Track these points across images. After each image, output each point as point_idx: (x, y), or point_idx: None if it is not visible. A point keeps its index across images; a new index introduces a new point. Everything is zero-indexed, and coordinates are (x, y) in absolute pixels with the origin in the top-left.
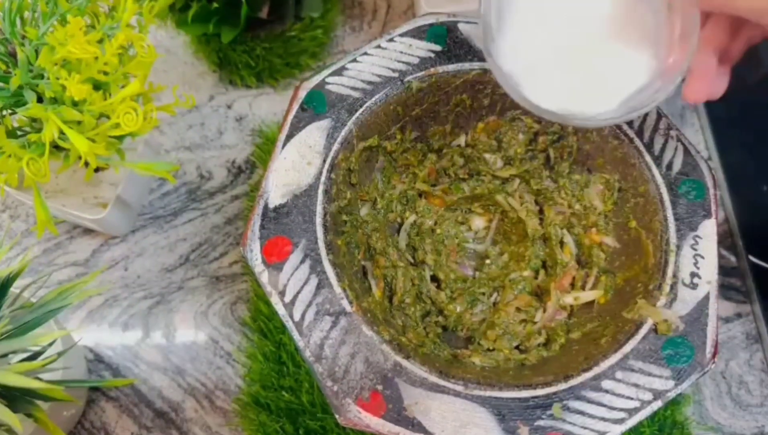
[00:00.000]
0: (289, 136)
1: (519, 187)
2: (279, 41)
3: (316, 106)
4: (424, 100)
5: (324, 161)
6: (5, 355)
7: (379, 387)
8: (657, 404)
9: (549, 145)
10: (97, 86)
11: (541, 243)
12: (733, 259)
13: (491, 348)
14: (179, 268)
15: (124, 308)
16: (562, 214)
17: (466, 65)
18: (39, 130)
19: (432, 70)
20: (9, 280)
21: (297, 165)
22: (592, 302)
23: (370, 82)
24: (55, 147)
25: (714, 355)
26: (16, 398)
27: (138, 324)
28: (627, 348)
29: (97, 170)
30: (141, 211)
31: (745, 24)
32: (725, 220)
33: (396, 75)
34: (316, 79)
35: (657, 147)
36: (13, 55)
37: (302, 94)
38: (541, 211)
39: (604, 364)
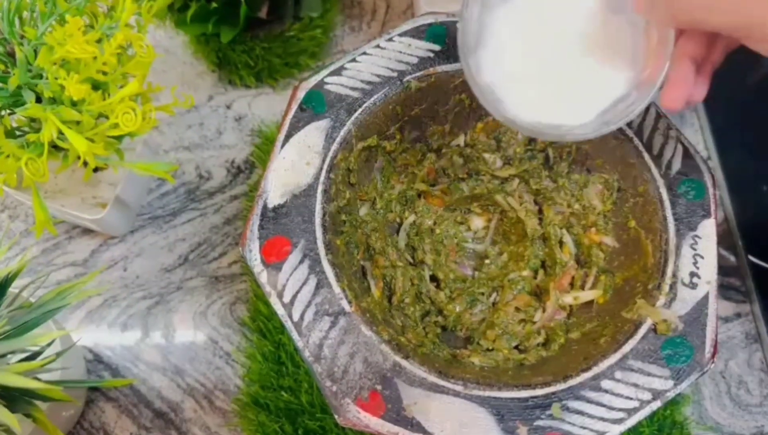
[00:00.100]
0: (288, 136)
1: (518, 187)
2: (278, 41)
3: (315, 106)
4: (423, 99)
5: (323, 161)
6: (4, 356)
7: (378, 387)
8: (656, 404)
9: (548, 145)
10: (95, 86)
11: (541, 243)
12: (732, 258)
13: (490, 348)
14: (178, 268)
15: (123, 308)
16: (562, 213)
17: None
18: (38, 130)
19: (431, 69)
20: (8, 280)
21: (296, 165)
22: (591, 302)
23: (369, 82)
24: (54, 147)
25: (713, 354)
26: (15, 398)
27: (137, 324)
28: (626, 348)
29: (95, 170)
30: (140, 211)
31: (720, 34)
32: (725, 220)
33: (395, 75)
34: (315, 79)
35: (656, 147)
36: (11, 55)
37: (301, 94)
38: (540, 211)
39: (604, 364)
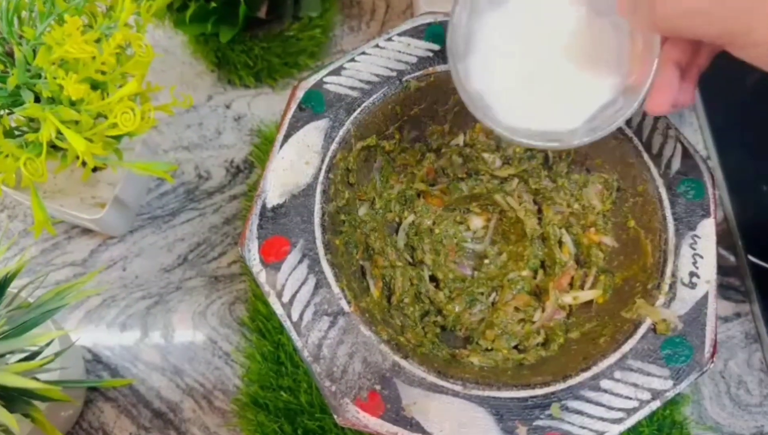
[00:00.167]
0: (287, 136)
1: (517, 187)
2: (277, 41)
3: (314, 105)
4: (422, 99)
5: (322, 161)
6: (2, 356)
7: (378, 387)
8: (656, 404)
9: None
10: (94, 86)
11: (540, 242)
12: (732, 258)
13: (490, 348)
14: (177, 268)
15: (122, 308)
16: (561, 213)
17: None
18: (36, 130)
19: (430, 69)
20: (6, 280)
21: (295, 165)
22: (590, 302)
23: (368, 82)
24: (53, 147)
25: (713, 354)
26: (14, 398)
27: (136, 324)
28: (626, 348)
29: (94, 170)
30: (139, 211)
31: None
32: (724, 220)
33: (394, 74)
34: (314, 79)
35: (656, 146)
36: (10, 54)
37: (300, 93)
38: (539, 211)
39: (603, 364)
